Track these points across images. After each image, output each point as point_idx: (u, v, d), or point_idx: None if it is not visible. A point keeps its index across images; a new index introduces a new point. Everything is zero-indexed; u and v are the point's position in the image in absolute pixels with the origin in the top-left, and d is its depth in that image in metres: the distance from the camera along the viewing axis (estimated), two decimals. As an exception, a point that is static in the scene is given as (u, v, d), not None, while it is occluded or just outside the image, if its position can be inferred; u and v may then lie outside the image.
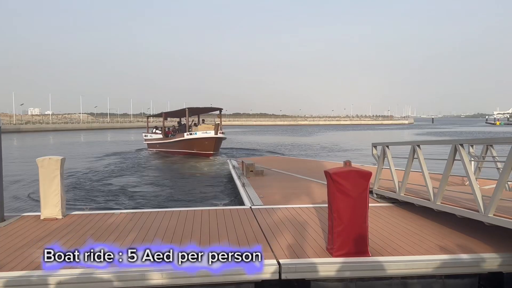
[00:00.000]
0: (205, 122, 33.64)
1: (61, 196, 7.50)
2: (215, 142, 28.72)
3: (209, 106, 36.93)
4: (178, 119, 37.61)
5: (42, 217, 7.43)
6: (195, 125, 31.92)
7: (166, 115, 35.44)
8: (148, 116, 46.08)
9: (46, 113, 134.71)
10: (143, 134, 38.66)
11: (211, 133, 28.43)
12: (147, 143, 36.83)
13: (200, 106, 33.50)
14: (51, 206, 7.44)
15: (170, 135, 33.68)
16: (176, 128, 35.46)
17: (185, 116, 31.98)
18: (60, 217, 7.46)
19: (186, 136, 29.49)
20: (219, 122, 30.61)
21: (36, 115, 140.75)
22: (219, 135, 28.76)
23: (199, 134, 28.74)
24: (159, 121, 45.90)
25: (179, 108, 33.17)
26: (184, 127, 31.69)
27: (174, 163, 27.38)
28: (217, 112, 33.88)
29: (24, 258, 5.29)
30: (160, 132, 35.31)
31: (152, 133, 36.72)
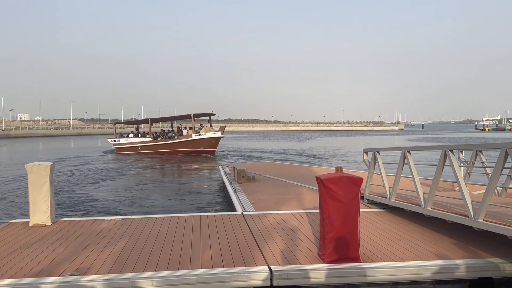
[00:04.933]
0: (202, 126, 38.37)
1: (50, 202, 7.41)
2: (219, 141, 36.48)
3: (201, 111, 43.10)
4: (164, 123, 42.83)
5: (31, 224, 7.33)
6: (199, 128, 37.36)
7: (152, 120, 40.89)
8: (116, 123, 49.40)
9: (35, 118, 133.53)
10: (111, 139, 40.26)
11: (218, 134, 35.51)
12: (118, 147, 39.32)
13: (191, 113, 37.96)
14: (40, 212, 7.35)
15: (161, 137, 38.72)
16: (172, 131, 40.52)
17: (172, 122, 41.73)
18: (50, 223, 7.37)
19: (195, 136, 35.72)
20: (225, 125, 38.65)
21: (26, 120, 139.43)
22: (223, 135, 36.02)
23: (209, 134, 35.50)
24: (128, 127, 49.67)
25: (169, 115, 38.22)
26: (182, 130, 37.77)
27: (169, 166, 28.79)
28: (207, 118, 39.53)
29: (12, 266, 5.22)
30: (137, 135, 39.91)
31: (130, 137, 39.70)
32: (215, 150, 36.18)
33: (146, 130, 43.28)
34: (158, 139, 38.49)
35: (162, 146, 37.11)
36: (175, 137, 37.72)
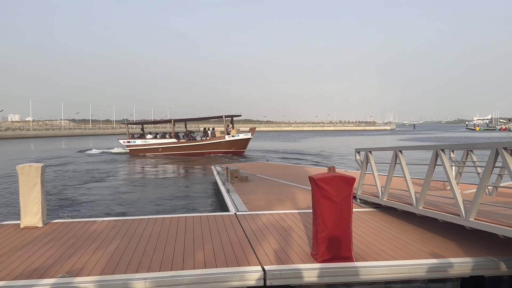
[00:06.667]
0: (229, 127, 39.35)
1: (41, 204, 7.35)
2: (249, 142, 38.21)
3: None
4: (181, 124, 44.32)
5: (22, 226, 7.27)
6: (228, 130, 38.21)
7: (175, 121, 40.71)
8: (128, 123, 47.97)
9: (26, 119, 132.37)
10: (123, 141, 39.19)
11: (248, 135, 37.28)
12: (132, 149, 38.32)
13: (222, 114, 39.15)
14: (31, 214, 7.28)
15: (186, 139, 38.63)
16: (192, 132, 40.92)
17: (186, 123, 42.73)
18: (41, 225, 7.31)
19: (228, 137, 36.73)
20: (255, 127, 40.42)
21: (16, 121, 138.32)
22: (252, 136, 37.84)
23: (242, 136, 37.07)
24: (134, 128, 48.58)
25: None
26: (207, 132, 38.65)
27: (176, 166, 29.42)
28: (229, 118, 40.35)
29: (4, 268, 5.16)
30: (156, 136, 39.59)
31: (149, 138, 39.30)
32: (245, 151, 37.89)
33: (146, 131, 43.21)
34: (182, 140, 38.44)
35: (194, 147, 37.44)
36: (203, 138, 38.42)
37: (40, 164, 7.49)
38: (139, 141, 38.54)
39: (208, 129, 39.44)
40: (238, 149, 37.21)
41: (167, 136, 39.32)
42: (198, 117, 44.48)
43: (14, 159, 33.02)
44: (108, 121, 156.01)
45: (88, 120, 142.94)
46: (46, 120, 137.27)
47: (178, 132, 40.33)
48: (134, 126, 53.47)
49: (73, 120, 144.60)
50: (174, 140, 38.13)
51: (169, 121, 41.70)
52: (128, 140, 38.71)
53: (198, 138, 39.35)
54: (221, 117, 39.68)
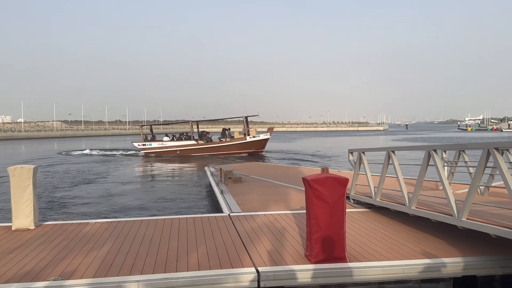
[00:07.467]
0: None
1: (33, 206, 7.29)
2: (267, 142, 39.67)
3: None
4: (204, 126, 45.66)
5: (13, 228, 7.21)
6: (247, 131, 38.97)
7: (193, 123, 40.65)
8: (142, 125, 47.37)
9: (18, 121, 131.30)
10: (138, 143, 38.31)
11: (267, 135, 38.69)
12: (147, 152, 37.94)
13: (242, 115, 40.30)
14: (23, 216, 7.22)
15: (204, 140, 38.80)
16: (207, 133, 41.09)
17: (198, 124, 42.73)
18: (33, 227, 7.25)
19: (249, 138, 37.86)
20: (273, 127, 43.56)
21: (8, 123, 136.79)
22: (270, 136, 39.21)
23: (262, 136, 38.40)
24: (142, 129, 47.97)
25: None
26: (225, 133, 39.58)
27: (174, 166, 29.05)
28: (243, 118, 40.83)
29: (-6, 271, 5.11)
30: (173, 139, 39.33)
31: (166, 140, 38.91)
32: (263, 150, 39.31)
33: (154, 131, 43.30)
34: (200, 141, 38.57)
35: (215, 149, 37.85)
36: (222, 139, 38.97)
37: (32, 166, 7.43)
38: (155, 144, 38.03)
39: (226, 129, 39.88)
40: (258, 149, 38.38)
41: (183, 137, 39.18)
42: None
43: (5, 160, 32.73)
44: (100, 122, 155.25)
45: (80, 121, 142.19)
46: (38, 122, 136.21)
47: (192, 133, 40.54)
48: (144, 127, 52.37)
49: (65, 121, 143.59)
50: (193, 142, 38.29)
51: (186, 122, 42.33)
52: (143, 143, 37.98)
53: (213, 139, 39.57)
54: (239, 117, 40.39)
